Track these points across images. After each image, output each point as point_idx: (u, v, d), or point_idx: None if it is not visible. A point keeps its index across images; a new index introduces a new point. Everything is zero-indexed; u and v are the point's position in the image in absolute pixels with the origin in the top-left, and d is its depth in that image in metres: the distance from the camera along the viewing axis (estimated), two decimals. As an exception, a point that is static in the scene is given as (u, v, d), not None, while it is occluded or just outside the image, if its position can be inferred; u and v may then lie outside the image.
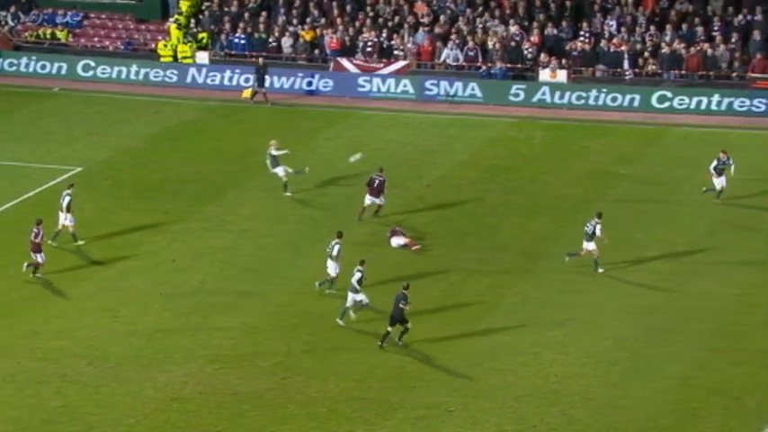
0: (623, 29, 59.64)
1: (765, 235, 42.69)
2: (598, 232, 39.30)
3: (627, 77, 58.09)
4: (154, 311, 37.84)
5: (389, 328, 35.26)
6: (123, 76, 61.15)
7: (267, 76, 58.05)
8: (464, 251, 41.62)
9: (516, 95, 57.89)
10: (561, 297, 38.32)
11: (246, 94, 57.96)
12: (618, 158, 50.47)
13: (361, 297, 36.46)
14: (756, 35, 57.86)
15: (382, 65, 59.78)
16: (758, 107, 55.72)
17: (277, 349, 35.53)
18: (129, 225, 43.89)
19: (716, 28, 58.85)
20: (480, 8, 61.88)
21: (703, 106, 56.19)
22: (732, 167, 44.95)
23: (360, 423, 31.88)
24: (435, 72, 59.76)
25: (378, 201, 43.97)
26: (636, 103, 56.68)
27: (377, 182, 43.95)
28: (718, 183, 44.87)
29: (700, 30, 58.78)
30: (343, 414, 32.28)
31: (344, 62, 60.27)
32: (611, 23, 59.94)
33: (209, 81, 60.59)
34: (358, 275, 36.31)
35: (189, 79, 60.77)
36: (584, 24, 59.88)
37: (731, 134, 53.41)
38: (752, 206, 45.06)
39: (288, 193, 46.38)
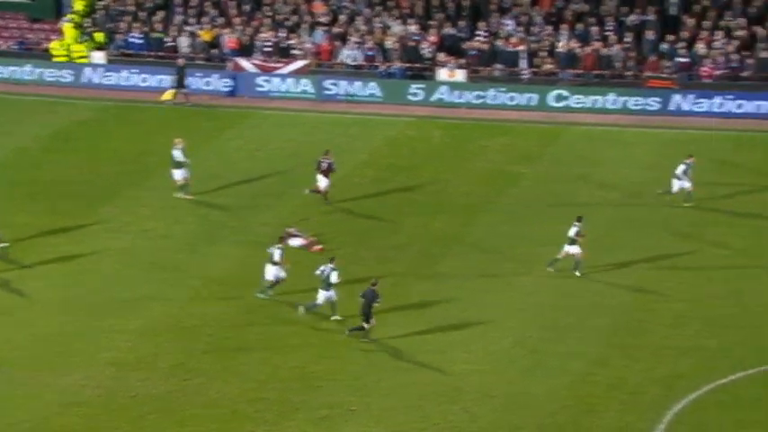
0: (520, 28, 60.18)
1: (664, 232, 43.30)
2: (572, 234, 39.43)
3: (524, 77, 58.62)
4: (52, 314, 37.34)
5: (365, 324, 35.41)
6: (17, 75, 60.30)
7: (186, 77, 57.69)
8: (366, 251, 41.67)
9: (415, 95, 58.14)
10: (463, 295, 38.51)
11: (168, 96, 57.38)
12: (517, 157, 50.90)
13: (330, 294, 36.53)
14: (649, 35, 58.72)
15: (281, 64, 59.65)
16: (652, 105, 56.56)
17: (177, 351, 35.28)
18: (26, 227, 43.26)
19: (610, 27, 59.63)
20: (378, 7, 62.03)
21: (599, 105, 56.90)
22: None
23: (262, 424, 31.78)
24: (335, 72, 59.77)
25: (325, 183, 45.26)
26: (533, 102, 57.22)
27: (325, 164, 45.03)
28: (681, 185, 44.85)
29: (595, 29, 59.53)
30: (244, 415, 32.15)
31: (243, 62, 60.02)
32: (508, 23, 60.44)
33: (104, 81, 59.96)
34: (335, 274, 36.37)
35: (84, 79, 60.09)
36: (482, 24, 60.33)
37: (626, 132, 54.16)
38: (649, 204, 45.70)
39: (180, 195, 45.90)
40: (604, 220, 44.37)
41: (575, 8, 60.78)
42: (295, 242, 41.89)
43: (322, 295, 36.64)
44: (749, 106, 55.86)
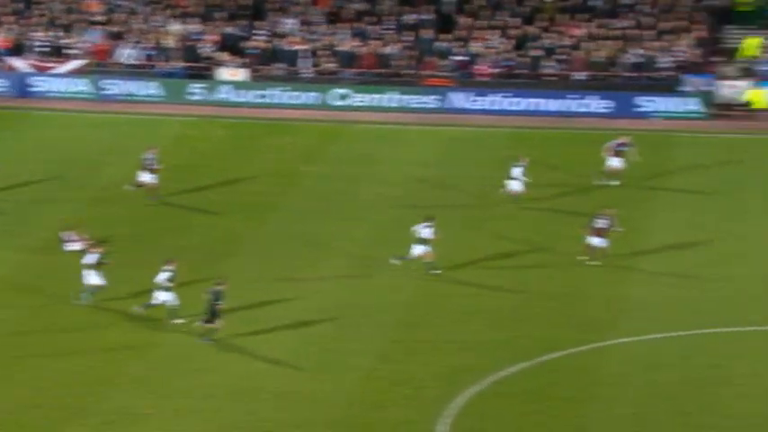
0: (301, 27, 60.40)
1: (445, 228, 43.78)
2: (429, 235, 39.41)
3: (306, 75, 58.84)
4: None
5: (212, 324, 35.07)
6: None
7: None
8: (151, 253, 41.10)
9: (197, 94, 57.81)
10: (252, 295, 38.34)
11: None
12: (301, 156, 51.11)
13: (168, 296, 35.96)
14: (427, 34, 59.65)
15: (57, 64, 58.46)
16: (431, 103, 57.52)
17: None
18: None
19: (388, 26, 60.35)
20: (156, 6, 61.37)
21: (380, 103, 57.56)
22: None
23: (44, 431, 31.03)
24: (113, 71, 58.91)
25: (150, 178, 45.07)
26: (315, 101, 57.54)
27: (149, 159, 45.00)
28: (516, 185, 45.29)
29: (374, 28, 60.17)
30: (23, 423, 31.26)
31: (17, 62, 58.62)
32: (289, 22, 60.60)
33: None
34: (167, 275, 35.83)
35: None
36: (262, 23, 60.32)
37: (407, 130, 54.91)
38: (430, 201, 46.33)
39: None
40: (388, 218, 44.88)
41: (354, 7, 61.34)
42: (72, 246, 41.04)
43: (163, 296, 36.23)
44: (524, 104, 57.35)
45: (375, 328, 36.66)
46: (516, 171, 45.26)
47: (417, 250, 39.69)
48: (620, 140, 47.75)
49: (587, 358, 34.74)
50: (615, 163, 47.37)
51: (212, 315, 35.32)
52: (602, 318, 37.19)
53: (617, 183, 47.31)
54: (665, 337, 35.85)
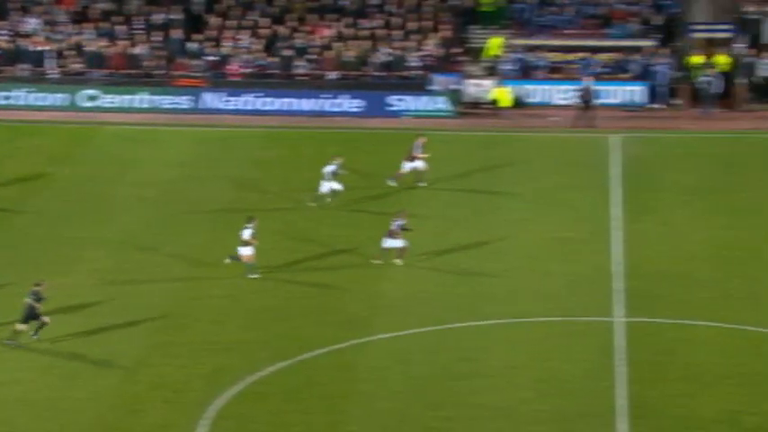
0: (45, 27, 59.16)
1: (199, 228, 43.67)
2: (247, 236, 38.61)
3: (52, 77, 57.66)
4: None
5: (21, 326, 34.13)
6: None
7: None
8: None
9: (-67, 97, 56.10)
10: (4, 305, 37.25)
11: None
12: (50, 159, 50.11)
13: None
14: (177, 33, 59.17)
15: None
16: (183, 104, 57.16)
17: None
18: None
19: (136, 26, 59.64)
20: None
21: (131, 104, 56.88)
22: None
23: None
24: None
25: None
26: (63, 103, 56.48)
27: None
28: (330, 186, 44.71)
29: (121, 28, 59.35)
30: None
31: None
32: (32, 21, 59.31)
33: None
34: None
35: None
36: (4, 22, 58.84)
37: (159, 131, 54.41)
38: (189, 202, 46.00)
39: None
40: (144, 220, 44.36)
41: (100, 7, 60.40)
42: None
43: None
44: (276, 103, 57.51)
45: (132, 332, 36.10)
46: (330, 170, 45.03)
47: (243, 252, 39.23)
48: (419, 142, 48.09)
49: (346, 355, 35.03)
50: (419, 165, 47.66)
51: (29, 317, 34.44)
52: (360, 315, 37.56)
53: (424, 184, 47.58)
54: (421, 331, 36.46)
